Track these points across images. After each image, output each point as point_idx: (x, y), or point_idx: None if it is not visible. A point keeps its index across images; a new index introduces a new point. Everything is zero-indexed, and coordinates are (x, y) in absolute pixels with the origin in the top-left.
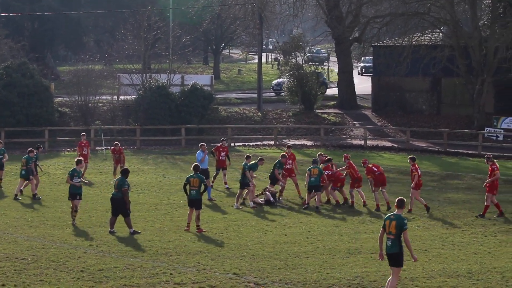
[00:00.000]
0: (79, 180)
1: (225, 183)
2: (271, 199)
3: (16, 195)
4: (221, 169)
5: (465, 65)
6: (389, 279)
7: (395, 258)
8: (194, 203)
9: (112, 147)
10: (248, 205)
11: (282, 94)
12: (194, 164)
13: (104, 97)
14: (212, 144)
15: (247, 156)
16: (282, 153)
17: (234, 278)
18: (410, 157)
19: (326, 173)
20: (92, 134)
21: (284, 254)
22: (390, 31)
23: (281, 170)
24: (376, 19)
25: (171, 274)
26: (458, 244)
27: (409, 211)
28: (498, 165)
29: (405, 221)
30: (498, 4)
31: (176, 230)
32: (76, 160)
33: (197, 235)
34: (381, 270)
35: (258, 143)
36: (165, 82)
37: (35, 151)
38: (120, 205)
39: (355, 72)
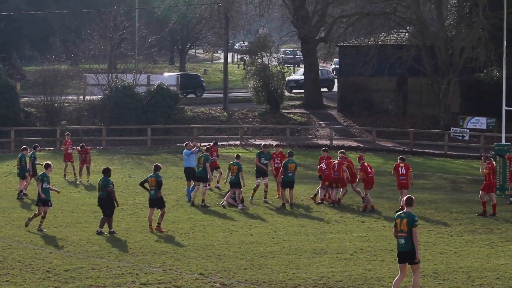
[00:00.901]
0: (48, 185)
1: (218, 182)
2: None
3: (20, 193)
4: (214, 170)
5: (431, 65)
6: (395, 279)
7: (411, 256)
8: (155, 202)
9: (78, 148)
10: (222, 205)
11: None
12: (155, 164)
13: (70, 97)
14: (178, 145)
15: (237, 155)
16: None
17: (200, 279)
18: (400, 157)
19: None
20: (58, 134)
21: (250, 254)
22: (356, 31)
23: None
24: (342, 18)
25: (137, 274)
26: (424, 244)
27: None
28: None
29: (416, 218)
30: (464, 4)
31: (142, 231)
32: (44, 164)
33: (162, 235)
34: (347, 270)
35: (224, 143)
36: (131, 82)
37: (29, 149)
38: (104, 204)
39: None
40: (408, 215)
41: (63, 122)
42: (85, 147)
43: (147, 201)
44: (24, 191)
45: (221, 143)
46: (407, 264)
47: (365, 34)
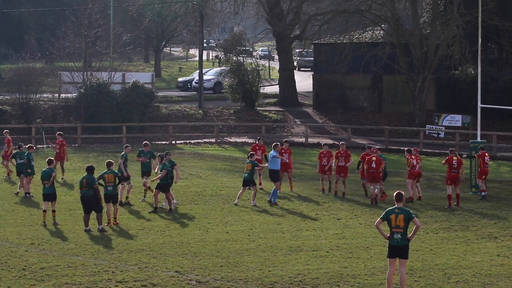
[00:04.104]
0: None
1: (260, 183)
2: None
3: (26, 193)
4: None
5: (406, 62)
6: (388, 274)
7: (405, 250)
8: (111, 198)
9: (56, 140)
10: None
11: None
12: (107, 161)
13: (45, 95)
14: (154, 143)
15: (251, 154)
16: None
17: (176, 276)
18: (406, 150)
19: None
20: (33, 132)
21: (226, 251)
22: (331, 29)
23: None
24: (317, 16)
25: (113, 272)
26: None
27: (410, 199)
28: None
29: (411, 211)
30: (439, 1)
31: (117, 228)
32: (47, 160)
33: (138, 232)
34: (323, 267)
35: (199, 141)
36: (106, 80)
37: (22, 148)
38: (91, 202)
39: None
40: (403, 210)
41: (38, 120)
42: (61, 138)
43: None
44: (19, 191)
45: (196, 140)
46: (397, 258)
47: (340, 32)
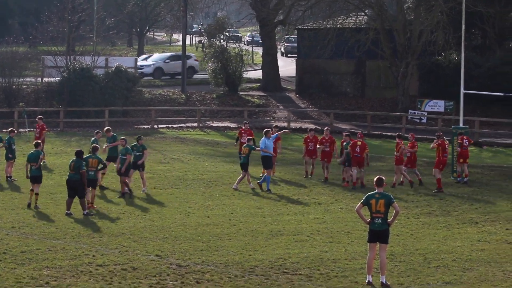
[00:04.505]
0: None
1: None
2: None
3: (8, 177)
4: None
5: (389, 48)
6: (368, 259)
7: (386, 235)
8: (91, 182)
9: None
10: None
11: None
12: (93, 145)
13: (28, 79)
14: (136, 127)
15: (248, 139)
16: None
17: (157, 260)
18: (397, 134)
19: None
20: (16, 116)
21: (206, 236)
22: (315, 14)
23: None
24: (301, 1)
25: (93, 256)
26: None
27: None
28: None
29: (391, 195)
30: None
31: (98, 212)
32: (35, 143)
33: (118, 216)
34: (304, 251)
35: (181, 125)
36: (89, 64)
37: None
38: (77, 186)
39: (278, 54)
40: (383, 195)
41: (21, 104)
42: (42, 122)
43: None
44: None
45: (178, 125)
46: (377, 243)
47: (324, 17)
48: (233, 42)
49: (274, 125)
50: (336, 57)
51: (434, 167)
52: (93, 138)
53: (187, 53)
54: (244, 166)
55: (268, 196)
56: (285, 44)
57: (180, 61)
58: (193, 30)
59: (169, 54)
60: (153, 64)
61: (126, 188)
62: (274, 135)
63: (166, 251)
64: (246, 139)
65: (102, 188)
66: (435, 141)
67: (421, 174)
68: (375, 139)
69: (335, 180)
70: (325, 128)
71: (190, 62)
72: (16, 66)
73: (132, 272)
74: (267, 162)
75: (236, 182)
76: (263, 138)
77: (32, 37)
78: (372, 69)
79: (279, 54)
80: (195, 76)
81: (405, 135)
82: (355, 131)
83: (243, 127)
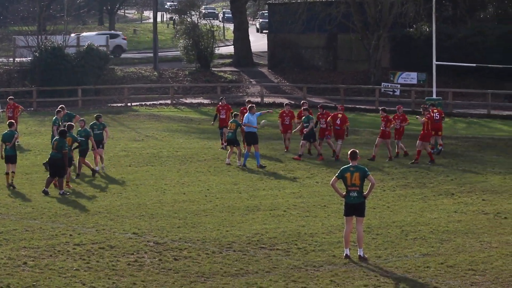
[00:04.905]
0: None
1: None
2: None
3: None
4: (223, 128)
5: (360, 21)
6: (345, 232)
7: (362, 208)
8: (69, 160)
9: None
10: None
11: None
12: (68, 123)
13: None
14: (109, 105)
15: (235, 114)
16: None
17: (134, 238)
18: (381, 108)
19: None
20: None
21: (183, 212)
22: None
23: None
24: None
25: (70, 235)
26: None
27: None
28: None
29: (366, 168)
30: None
31: (74, 191)
32: (8, 123)
33: (95, 195)
34: (280, 226)
35: (155, 102)
36: (60, 44)
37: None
38: (58, 165)
39: (253, 30)
40: (358, 168)
41: None
42: (13, 101)
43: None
44: None
45: (152, 102)
46: (353, 216)
47: None
48: (210, 19)
49: (247, 100)
50: (308, 31)
51: (419, 139)
52: (54, 118)
53: (114, 32)
54: (230, 141)
55: (243, 172)
56: (260, 20)
57: (112, 39)
58: (166, 7)
59: (95, 33)
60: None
61: (90, 169)
62: (258, 112)
63: (143, 229)
64: (234, 114)
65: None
66: (425, 114)
67: (395, 146)
68: (348, 112)
69: (311, 155)
70: (302, 101)
71: (117, 41)
72: None
73: (110, 251)
74: (253, 137)
75: (238, 159)
76: (247, 113)
77: (3, 17)
78: (343, 42)
79: (254, 30)
80: (168, 53)
81: (379, 107)
82: (328, 105)
83: (220, 103)
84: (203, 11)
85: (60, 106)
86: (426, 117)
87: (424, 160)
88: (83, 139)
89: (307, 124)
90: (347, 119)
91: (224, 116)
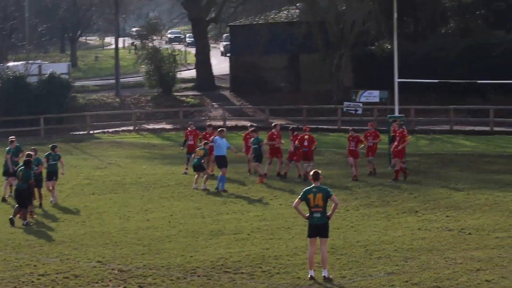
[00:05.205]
0: None
1: (187, 169)
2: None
3: None
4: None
5: (322, 40)
6: (309, 254)
7: (326, 229)
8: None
9: None
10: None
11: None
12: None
13: None
14: (72, 133)
15: (205, 142)
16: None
17: (98, 266)
18: (351, 129)
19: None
20: None
21: (147, 239)
22: (247, 10)
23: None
24: None
25: (34, 265)
26: None
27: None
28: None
29: (328, 189)
30: None
31: (37, 221)
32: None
33: (58, 224)
34: (245, 250)
35: (117, 129)
36: (22, 73)
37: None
38: (25, 196)
39: (217, 53)
40: (320, 188)
41: None
42: None
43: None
44: None
45: (114, 129)
46: (317, 237)
47: (256, 13)
48: (175, 44)
49: (207, 124)
50: (270, 52)
51: (393, 157)
52: (8, 148)
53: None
54: (197, 168)
55: (207, 196)
56: (224, 43)
57: None
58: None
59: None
60: None
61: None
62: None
63: (107, 257)
64: (203, 143)
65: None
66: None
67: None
68: (311, 133)
69: (273, 178)
70: (273, 124)
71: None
72: None
73: (74, 280)
74: (222, 161)
75: (203, 182)
76: (217, 137)
77: None
78: (306, 63)
79: (218, 54)
80: (130, 79)
81: (342, 127)
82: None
83: (189, 128)
84: (169, 35)
85: (11, 137)
86: (398, 134)
87: (387, 178)
88: (55, 162)
89: (256, 146)
90: (314, 139)
91: (192, 142)
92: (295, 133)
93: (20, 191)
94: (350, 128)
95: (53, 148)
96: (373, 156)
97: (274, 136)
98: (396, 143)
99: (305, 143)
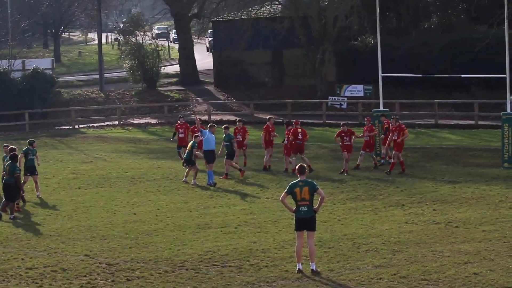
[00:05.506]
0: None
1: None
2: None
3: None
4: (182, 148)
5: (305, 35)
6: (296, 247)
7: (312, 222)
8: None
9: None
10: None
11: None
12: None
13: None
14: (57, 128)
15: (195, 135)
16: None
17: (86, 260)
18: (344, 123)
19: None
20: None
21: (134, 233)
22: (229, 5)
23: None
24: None
25: (22, 259)
26: None
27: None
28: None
29: (315, 182)
30: None
31: (25, 215)
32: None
33: (45, 218)
34: (232, 243)
35: (102, 124)
36: (6, 68)
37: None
38: (12, 190)
39: (203, 49)
40: (306, 182)
41: None
42: None
43: (29, 185)
44: None
45: (99, 124)
46: (304, 231)
47: (238, 8)
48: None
49: (197, 118)
50: (253, 48)
51: (395, 150)
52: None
53: None
54: (188, 162)
55: (193, 190)
56: (210, 38)
57: None
58: (109, 28)
59: None
60: None
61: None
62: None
63: (95, 251)
64: (194, 136)
65: None
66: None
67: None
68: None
69: (259, 172)
70: (268, 116)
71: None
72: None
73: (62, 273)
74: (210, 155)
75: (193, 178)
76: (207, 132)
77: None
78: (289, 58)
79: (204, 49)
80: (114, 74)
81: (327, 121)
82: (276, 120)
83: (179, 121)
84: (156, 31)
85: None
86: (394, 128)
87: (374, 172)
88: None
89: (228, 143)
90: (306, 132)
91: (183, 135)
92: (290, 127)
93: (7, 185)
94: (342, 123)
95: (31, 143)
96: (371, 150)
97: (270, 129)
98: (391, 136)
99: (299, 136)
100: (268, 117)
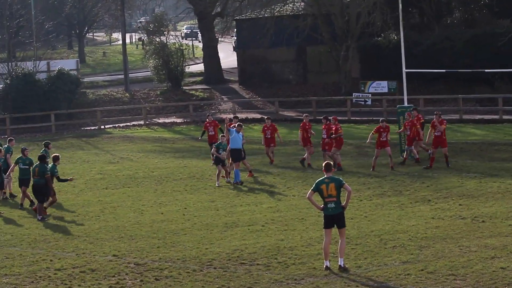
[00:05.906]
0: None
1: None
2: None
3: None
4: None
5: (328, 32)
6: (324, 245)
7: (342, 218)
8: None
9: None
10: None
11: None
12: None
13: None
14: (83, 129)
15: (221, 135)
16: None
17: (114, 260)
18: (382, 119)
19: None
20: None
21: (162, 232)
22: (252, 4)
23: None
24: None
25: (51, 260)
26: None
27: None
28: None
29: (340, 178)
30: None
31: (54, 216)
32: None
33: (73, 219)
34: (260, 241)
35: (128, 124)
36: (31, 70)
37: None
38: (43, 191)
39: (229, 47)
40: (332, 178)
41: None
42: None
43: (56, 187)
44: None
45: (125, 124)
46: (333, 228)
47: (261, 6)
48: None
49: (233, 116)
50: (276, 45)
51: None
52: (6, 146)
53: None
54: (218, 161)
55: (220, 189)
56: (235, 37)
57: None
58: (133, 27)
59: None
60: None
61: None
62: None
63: (123, 251)
64: (220, 136)
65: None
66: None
67: (370, 156)
68: (321, 124)
69: (284, 169)
70: (266, 117)
71: None
72: None
73: (91, 274)
74: (237, 154)
75: (217, 178)
76: (234, 130)
77: None
78: (313, 55)
79: (230, 48)
80: (138, 74)
81: (351, 118)
82: (301, 117)
83: (207, 119)
84: (185, 30)
85: (10, 138)
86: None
87: (399, 168)
88: (27, 167)
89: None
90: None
91: (213, 133)
92: (328, 122)
93: (37, 186)
94: (381, 119)
95: (47, 144)
96: (410, 144)
97: (307, 127)
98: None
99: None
100: (304, 115)
